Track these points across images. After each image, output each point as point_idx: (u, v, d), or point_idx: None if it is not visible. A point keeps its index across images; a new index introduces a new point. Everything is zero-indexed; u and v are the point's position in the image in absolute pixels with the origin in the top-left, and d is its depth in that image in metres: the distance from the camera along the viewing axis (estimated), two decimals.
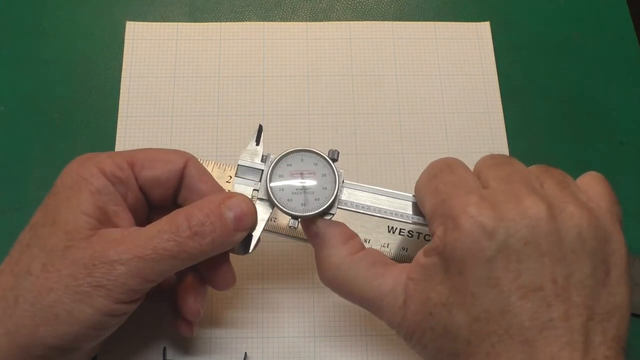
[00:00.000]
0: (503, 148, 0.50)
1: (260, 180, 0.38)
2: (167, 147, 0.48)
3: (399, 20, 0.55)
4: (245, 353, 0.42)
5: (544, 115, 0.52)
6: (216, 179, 0.39)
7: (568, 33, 0.56)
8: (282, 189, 0.37)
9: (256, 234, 0.37)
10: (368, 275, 0.34)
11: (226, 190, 0.39)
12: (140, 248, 0.33)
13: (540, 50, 0.55)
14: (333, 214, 0.37)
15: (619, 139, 0.52)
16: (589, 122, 0.52)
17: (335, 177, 0.37)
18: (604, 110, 0.53)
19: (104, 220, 0.35)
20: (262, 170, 0.38)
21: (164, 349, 0.42)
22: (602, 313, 0.30)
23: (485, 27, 0.55)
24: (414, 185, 0.36)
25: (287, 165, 0.37)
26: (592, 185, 0.33)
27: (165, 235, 0.34)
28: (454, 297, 0.31)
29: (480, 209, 0.30)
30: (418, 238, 0.45)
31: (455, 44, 0.55)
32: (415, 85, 0.53)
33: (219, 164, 0.47)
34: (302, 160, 0.37)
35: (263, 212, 0.37)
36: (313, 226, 0.37)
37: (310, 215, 0.36)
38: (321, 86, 0.52)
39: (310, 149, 0.37)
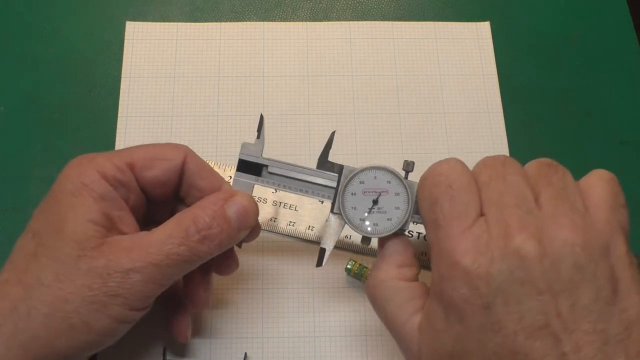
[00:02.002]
0: (503, 148, 0.50)
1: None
2: None
3: (399, 20, 0.55)
4: (245, 353, 0.42)
5: (544, 115, 0.52)
6: None
7: (568, 33, 0.56)
8: (354, 207, 0.36)
9: (329, 247, 0.37)
10: (402, 306, 0.34)
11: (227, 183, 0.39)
12: (153, 255, 0.33)
13: (540, 50, 0.55)
14: (405, 230, 0.36)
15: (619, 139, 0.52)
16: (589, 122, 0.52)
17: (408, 197, 0.36)
18: (604, 110, 0.53)
19: (110, 227, 0.35)
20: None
21: (164, 349, 0.42)
22: (619, 332, 0.28)
23: (485, 27, 0.55)
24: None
25: (360, 182, 0.37)
26: (594, 188, 0.32)
27: (175, 240, 0.34)
28: (459, 346, 0.30)
29: (474, 255, 0.30)
30: (418, 238, 0.45)
31: (455, 44, 0.54)
32: (415, 85, 0.53)
33: (219, 164, 0.47)
34: (375, 177, 0.37)
35: (336, 225, 0.37)
36: (386, 240, 0.37)
37: (381, 236, 0.36)
38: (321, 86, 0.52)
39: (385, 166, 0.37)
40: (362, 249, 0.45)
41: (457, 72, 0.53)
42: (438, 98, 0.52)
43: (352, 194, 0.37)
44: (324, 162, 0.38)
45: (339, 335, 0.43)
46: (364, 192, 0.37)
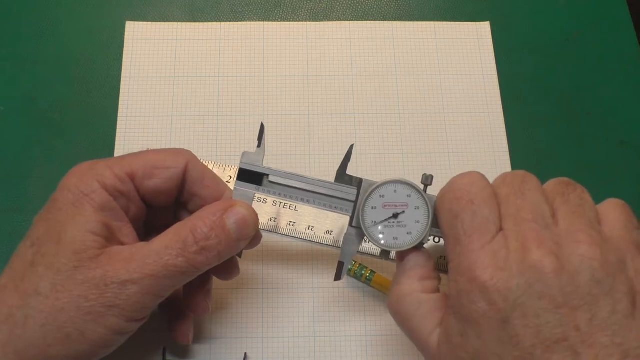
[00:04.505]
0: (503, 148, 0.50)
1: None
2: (167, 147, 0.49)
3: (399, 20, 0.55)
4: (245, 353, 0.42)
5: (544, 115, 0.52)
6: None
7: (568, 33, 0.56)
8: (374, 221, 0.36)
9: (348, 261, 0.37)
10: (426, 318, 0.34)
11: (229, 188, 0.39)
12: (151, 266, 0.33)
13: (540, 50, 0.55)
14: (424, 243, 0.36)
15: (619, 139, 0.52)
16: (589, 122, 0.52)
17: (428, 210, 0.36)
18: (604, 110, 0.53)
19: (109, 237, 0.35)
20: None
21: (164, 349, 0.42)
22: (638, 345, 0.28)
23: (485, 27, 0.55)
24: None
25: (380, 196, 0.36)
26: (608, 211, 0.32)
27: (173, 251, 0.34)
28: None
29: (493, 270, 0.30)
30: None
31: (455, 44, 0.54)
32: (415, 85, 0.53)
33: (219, 164, 0.47)
34: (395, 191, 0.36)
35: (355, 239, 0.37)
36: (405, 253, 0.36)
37: (401, 250, 0.36)
38: (321, 86, 0.52)
39: (405, 180, 0.36)
40: (362, 251, 0.45)
41: (457, 72, 0.53)
42: (438, 98, 0.52)
43: (372, 207, 0.36)
44: (342, 175, 0.38)
45: (339, 335, 0.43)
46: (384, 205, 0.36)
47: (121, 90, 0.51)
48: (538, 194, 0.32)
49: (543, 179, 0.34)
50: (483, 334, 0.30)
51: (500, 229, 0.32)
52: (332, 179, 0.38)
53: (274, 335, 0.43)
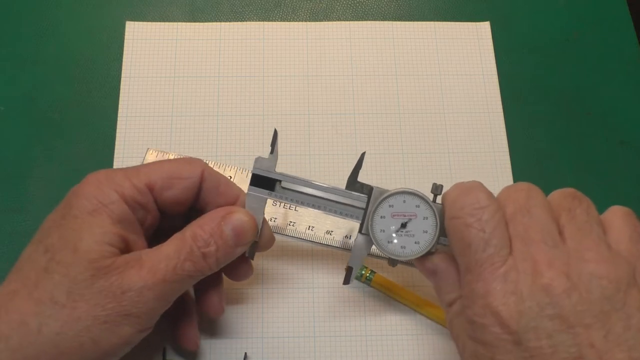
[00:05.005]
0: (503, 148, 0.50)
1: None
2: (167, 148, 0.49)
3: (399, 20, 0.55)
4: (245, 353, 0.42)
5: (544, 115, 0.52)
6: None
7: (568, 33, 0.56)
8: (383, 230, 0.37)
9: (357, 266, 0.38)
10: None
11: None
12: (162, 271, 0.34)
13: (540, 50, 0.55)
14: (432, 253, 0.36)
15: (619, 139, 0.52)
16: (589, 122, 0.52)
17: (436, 221, 0.36)
18: (604, 110, 0.53)
19: (124, 249, 0.35)
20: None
21: (164, 349, 0.42)
22: None
23: (485, 27, 0.55)
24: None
25: (389, 206, 0.37)
26: (612, 222, 0.32)
27: (181, 255, 0.35)
28: None
29: (504, 295, 0.30)
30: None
31: (455, 44, 0.54)
32: (415, 85, 0.53)
33: (218, 164, 0.47)
34: (404, 201, 0.37)
35: (364, 245, 0.38)
36: (427, 263, 0.36)
37: (409, 259, 0.36)
38: (321, 86, 0.52)
39: (414, 191, 0.37)
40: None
41: (457, 72, 0.53)
42: (438, 98, 0.52)
43: (381, 217, 0.37)
44: (353, 183, 0.38)
45: (339, 335, 0.43)
46: (393, 215, 0.37)
47: (121, 90, 0.51)
48: (544, 211, 0.32)
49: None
50: (496, 356, 0.30)
51: (510, 250, 0.31)
52: (331, 178, 0.38)
53: (274, 335, 0.43)
